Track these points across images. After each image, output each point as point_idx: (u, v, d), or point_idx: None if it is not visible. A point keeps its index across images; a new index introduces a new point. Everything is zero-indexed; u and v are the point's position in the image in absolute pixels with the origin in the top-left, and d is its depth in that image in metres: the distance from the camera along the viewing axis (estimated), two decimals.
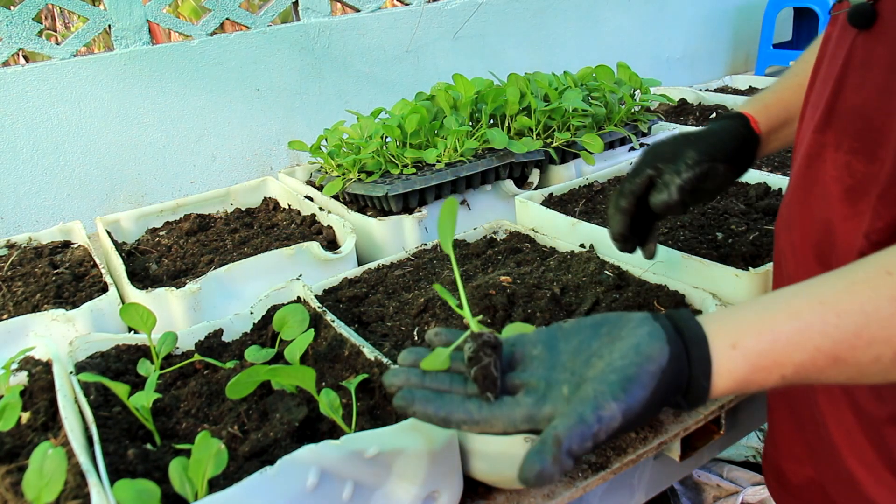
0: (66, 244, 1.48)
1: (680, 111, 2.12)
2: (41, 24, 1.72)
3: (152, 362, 0.96)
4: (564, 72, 1.77)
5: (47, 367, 0.95)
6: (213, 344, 1.04)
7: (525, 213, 1.39)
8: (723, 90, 2.32)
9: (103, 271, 1.28)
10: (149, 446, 0.81)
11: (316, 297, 1.08)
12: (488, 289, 1.07)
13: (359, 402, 0.83)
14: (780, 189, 1.40)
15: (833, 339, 0.50)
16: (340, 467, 0.71)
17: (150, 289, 1.15)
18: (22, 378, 0.94)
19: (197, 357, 0.97)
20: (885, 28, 0.67)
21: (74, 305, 1.14)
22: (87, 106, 1.79)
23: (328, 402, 0.79)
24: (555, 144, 1.58)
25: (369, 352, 0.92)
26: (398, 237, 1.38)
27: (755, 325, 0.54)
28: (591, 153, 1.59)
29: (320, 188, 1.55)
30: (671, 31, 2.87)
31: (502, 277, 1.09)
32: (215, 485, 0.71)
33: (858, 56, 0.70)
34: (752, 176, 1.45)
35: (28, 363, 0.96)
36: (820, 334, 0.50)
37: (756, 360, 0.53)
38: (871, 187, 0.66)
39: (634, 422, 0.54)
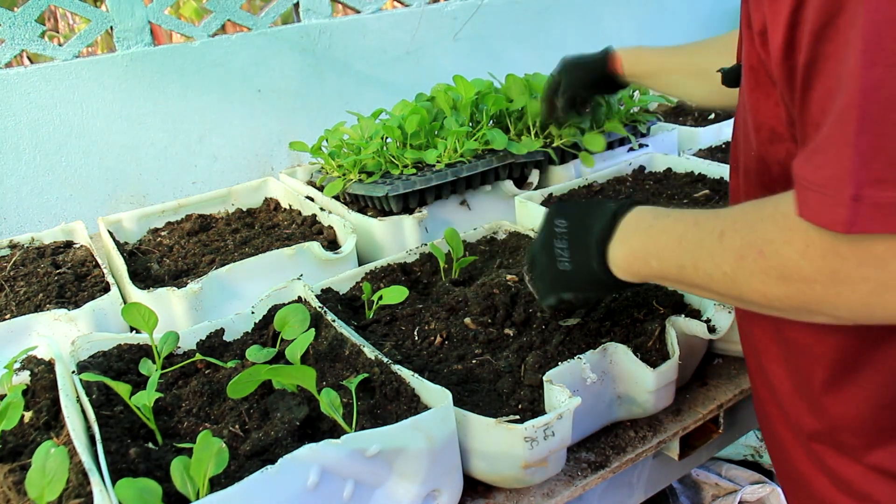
0: (69, 244, 1.48)
1: (679, 111, 2.12)
2: (44, 25, 1.73)
3: (154, 362, 0.96)
4: None
5: (49, 366, 0.95)
6: (214, 343, 1.04)
7: (525, 213, 1.39)
8: None
9: (105, 271, 1.28)
10: (150, 445, 0.81)
11: (316, 296, 1.09)
12: (492, 287, 1.08)
13: (359, 402, 0.84)
14: None
15: (681, 260, 0.71)
16: (341, 466, 0.72)
17: (151, 289, 1.16)
18: (24, 377, 0.94)
19: (198, 356, 0.98)
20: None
21: (76, 305, 1.15)
22: (90, 107, 1.79)
23: (329, 402, 0.79)
24: (555, 144, 1.58)
25: (370, 351, 0.92)
26: (398, 237, 1.39)
27: (643, 235, 0.78)
28: (593, 152, 1.60)
29: (321, 188, 1.55)
30: (671, 32, 2.87)
31: (509, 276, 1.10)
32: (216, 483, 0.72)
33: (738, 109, 0.81)
34: None
35: (30, 362, 0.96)
36: (675, 251, 0.72)
37: (634, 251, 0.78)
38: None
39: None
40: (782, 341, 0.76)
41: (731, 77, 0.80)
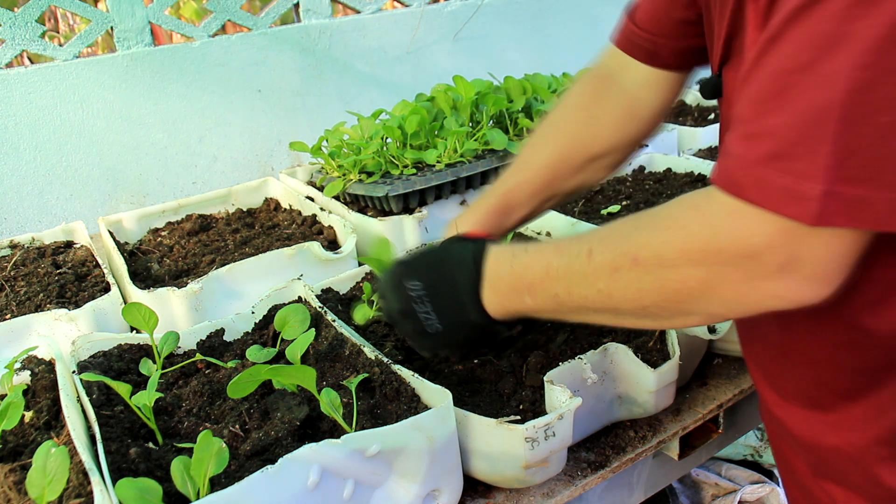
0: (69, 244, 1.48)
1: (678, 112, 2.12)
2: (44, 25, 1.73)
3: (154, 362, 0.96)
4: (564, 73, 1.78)
5: (50, 366, 0.95)
6: (214, 343, 1.04)
7: None
8: None
9: (105, 271, 1.28)
10: (151, 445, 0.81)
11: (316, 296, 1.09)
12: None
13: (359, 402, 0.84)
14: None
15: (553, 289, 0.71)
16: (341, 466, 0.72)
17: (152, 289, 1.16)
18: (25, 377, 0.94)
19: (198, 356, 0.98)
20: (727, 95, 0.75)
21: (77, 305, 1.15)
22: (90, 107, 1.79)
23: (329, 402, 0.79)
24: None
25: (370, 351, 0.92)
26: (399, 237, 1.39)
27: (507, 277, 0.77)
28: None
29: (321, 189, 1.56)
30: None
31: None
32: (217, 483, 0.72)
33: (722, 120, 0.80)
34: None
35: (31, 362, 0.96)
36: (545, 282, 0.72)
37: (505, 293, 0.77)
38: None
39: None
40: (789, 353, 0.76)
41: (709, 89, 0.78)
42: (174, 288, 1.15)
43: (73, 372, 0.92)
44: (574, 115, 0.98)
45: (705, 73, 0.85)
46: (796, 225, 0.53)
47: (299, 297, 1.12)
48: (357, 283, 1.20)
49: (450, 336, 0.82)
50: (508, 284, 0.76)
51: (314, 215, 1.48)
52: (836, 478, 0.75)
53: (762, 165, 0.54)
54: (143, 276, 1.29)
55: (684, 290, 0.60)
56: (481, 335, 0.82)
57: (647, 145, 1.73)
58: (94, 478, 0.69)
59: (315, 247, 1.26)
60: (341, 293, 1.18)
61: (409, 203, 1.40)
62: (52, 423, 0.87)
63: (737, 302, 0.59)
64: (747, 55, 0.71)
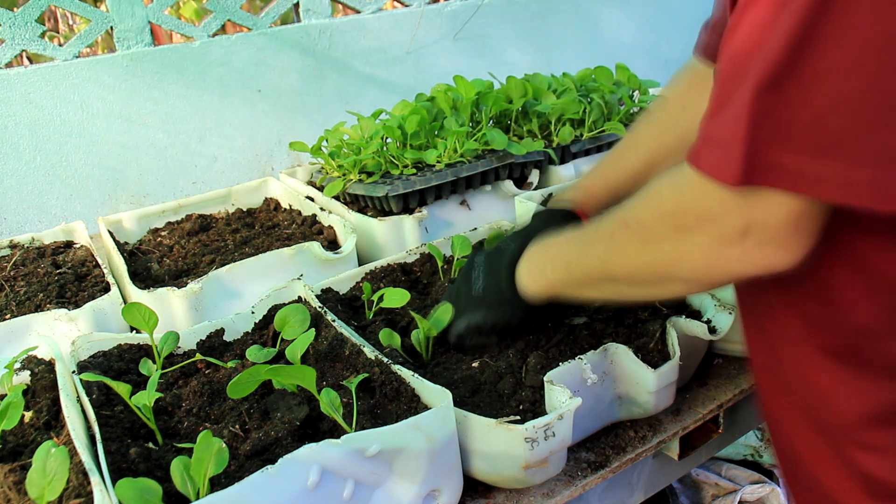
0: (69, 244, 1.48)
1: None
2: (44, 25, 1.73)
3: (154, 362, 0.96)
4: (564, 73, 1.78)
5: (50, 366, 0.95)
6: (214, 343, 1.04)
7: (525, 213, 1.39)
8: None
9: (105, 271, 1.28)
10: (150, 445, 0.81)
11: (316, 296, 1.09)
12: None
13: (359, 402, 0.84)
14: None
15: (567, 257, 0.80)
16: (341, 466, 0.72)
17: (151, 288, 1.16)
18: (25, 377, 0.94)
19: (198, 356, 0.98)
20: None
21: (77, 305, 1.15)
22: (90, 107, 1.79)
23: (329, 402, 0.79)
24: (555, 144, 1.58)
25: (370, 351, 0.92)
26: (398, 237, 1.39)
27: (542, 251, 0.87)
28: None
29: (321, 188, 1.55)
30: (670, 33, 2.87)
31: None
32: (217, 483, 0.72)
33: None
34: None
35: (31, 362, 0.96)
36: (562, 252, 0.82)
37: (534, 264, 0.87)
38: None
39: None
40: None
41: None
42: (174, 288, 1.15)
43: (73, 372, 0.92)
44: (671, 104, 1.06)
45: None
46: (747, 190, 0.56)
47: (299, 297, 1.12)
48: (357, 283, 1.20)
49: (484, 298, 0.93)
50: (541, 257, 0.86)
51: (314, 215, 1.48)
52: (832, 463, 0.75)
53: (705, 137, 0.59)
54: (143, 276, 1.29)
55: (661, 253, 0.66)
56: (503, 304, 0.92)
57: None
58: (94, 478, 0.69)
59: (315, 247, 1.26)
60: (341, 293, 1.18)
61: (408, 203, 1.40)
62: (52, 423, 0.87)
63: (707, 267, 0.63)
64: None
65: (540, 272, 0.86)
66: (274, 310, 1.08)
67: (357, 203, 1.50)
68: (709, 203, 0.59)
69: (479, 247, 0.99)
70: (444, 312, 0.98)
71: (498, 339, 0.98)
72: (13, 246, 1.46)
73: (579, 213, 1.06)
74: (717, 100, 0.59)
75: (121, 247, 1.41)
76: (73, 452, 0.75)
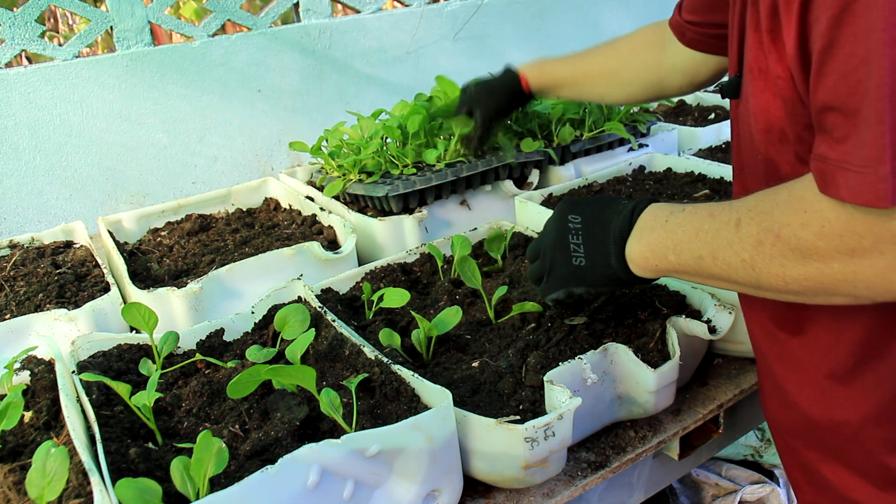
0: (69, 244, 1.48)
1: (679, 112, 2.12)
2: (44, 25, 1.73)
3: (154, 362, 0.96)
4: None
5: (50, 366, 0.95)
6: (214, 343, 1.04)
7: (525, 213, 1.39)
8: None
9: (105, 271, 1.28)
10: (150, 445, 0.81)
11: (316, 296, 1.09)
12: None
13: (359, 402, 0.84)
14: None
15: (699, 251, 0.74)
16: (341, 466, 0.72)
17: (151, 289, 1.16)
18: (24, 377, 0.94)
19: (198, 356, 0.98)
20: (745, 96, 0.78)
21: (76, 305, 1.15)
22: (90, 107, 1.79)
23: (329, 402, 0.79)
24: (555, 144, 1.58)
25: (370, 351, 0.92)
26: (398, 237, 1.39)
27: (660, 230, 0.80)
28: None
29: (321, 188, 1.55)
30: None
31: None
32: (216, 483, 0.72)
33: (734, 119, 0.84)
34: None
35: (30, 362, 0.96)
36: (693, 243, 0.75)
37: (652, 247, 0.80)
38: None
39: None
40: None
41: (731, 89, 0.81)
42: (174, 288, 1.15)
43: (73, 372, 0.92)
44: (631, 43, 1.29)
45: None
46: None
47: (299, 297, 1.12)
48: (357, 283, 1.20)
49: (589, 273, 0.87)
50: (658, 238, 0.79)
51: (314, 215, 1.48)
52: (836, 455, 0.75)
53: (850, 164, 0.57)
54: (143, 276, 1.29)
55: (828, 271, 0.62)
56: (611, 281, 0.86)
57: (647, 145, 1.73)
58: (94, 478, 0.69)
59: (315, 247, 1.26)
60: (341, 293, 1.18)
61: (408, 203, 1.40)
62: (52, 423, 0.87)
63: (883, 287, 0.60)
64: (748, 55, 0.72)
65: (660, 257, 0.79)
66: (274, 310, 1.08)
67: (357, 203, 1.50)
68: (889, 225, 0.57)
69: (570, 200, 0.92)
70: (449, 315, 0.97)
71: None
72: (13, 246, 1.46)
73: (524, 83, 1.33)
74: (836, 128, 0.58)
75: (121, 247, 1.41)
76: (72, 452, 0.75)
